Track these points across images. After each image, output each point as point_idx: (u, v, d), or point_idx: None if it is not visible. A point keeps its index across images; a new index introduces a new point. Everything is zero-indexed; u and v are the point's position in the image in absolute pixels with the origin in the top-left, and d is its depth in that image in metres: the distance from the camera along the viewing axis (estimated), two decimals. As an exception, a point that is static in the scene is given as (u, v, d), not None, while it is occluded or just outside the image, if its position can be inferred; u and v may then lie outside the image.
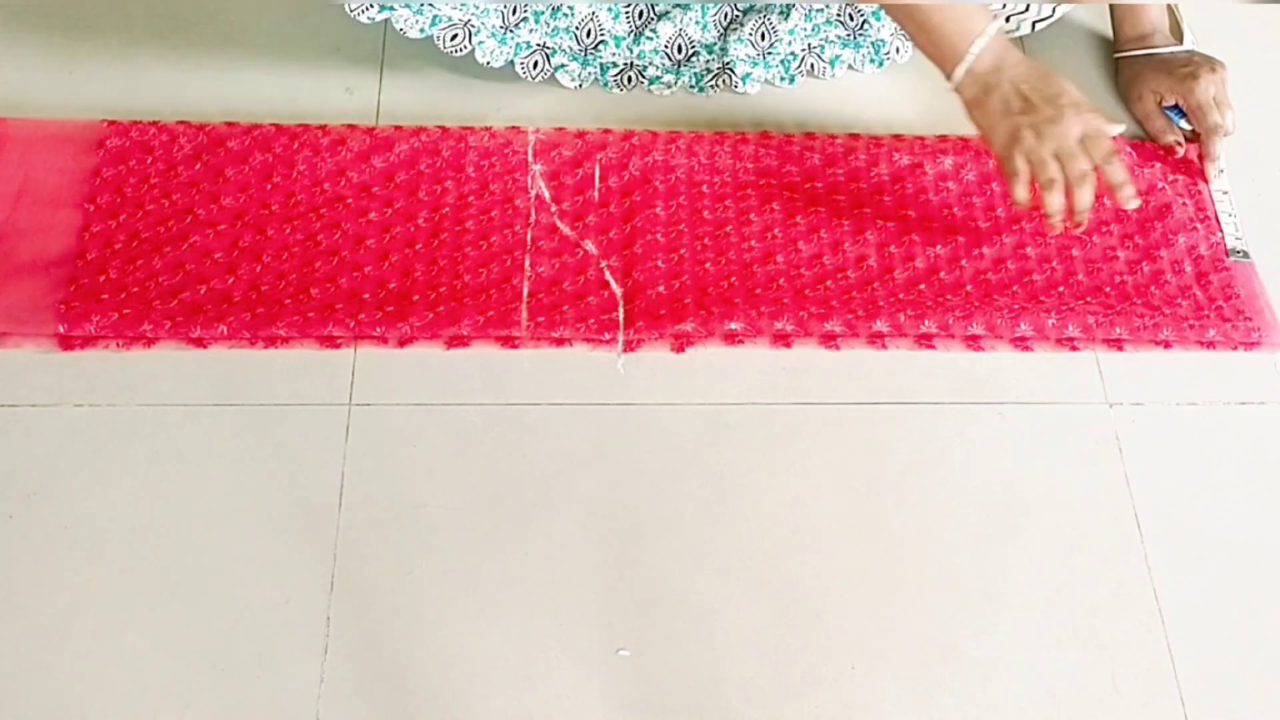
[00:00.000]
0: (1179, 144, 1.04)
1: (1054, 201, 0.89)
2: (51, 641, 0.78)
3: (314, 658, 0.78)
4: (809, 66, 1.06)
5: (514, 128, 1.00)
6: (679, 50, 1.04)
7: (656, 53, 1.04)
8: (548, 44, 1.02)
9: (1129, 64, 1.08)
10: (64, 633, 0.78)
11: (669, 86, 1.05)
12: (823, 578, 0.84)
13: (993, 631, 0.82)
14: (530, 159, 0.98)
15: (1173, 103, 1.05)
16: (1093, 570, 0.85)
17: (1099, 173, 0.89)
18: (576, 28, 1.02)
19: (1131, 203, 0.90)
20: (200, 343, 0.89)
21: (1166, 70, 1.05)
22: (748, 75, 1.05)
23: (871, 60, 1.07)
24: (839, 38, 1.06)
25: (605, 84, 1.05)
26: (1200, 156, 1.04)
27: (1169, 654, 0.82)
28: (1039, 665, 0.81)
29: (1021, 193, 0.90)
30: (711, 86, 1.05)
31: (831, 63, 1.06)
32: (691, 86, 1.05)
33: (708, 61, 1.05)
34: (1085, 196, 0.89)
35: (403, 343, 0.90)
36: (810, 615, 0.82)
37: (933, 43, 0.91)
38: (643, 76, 1.05)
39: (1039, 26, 1.08)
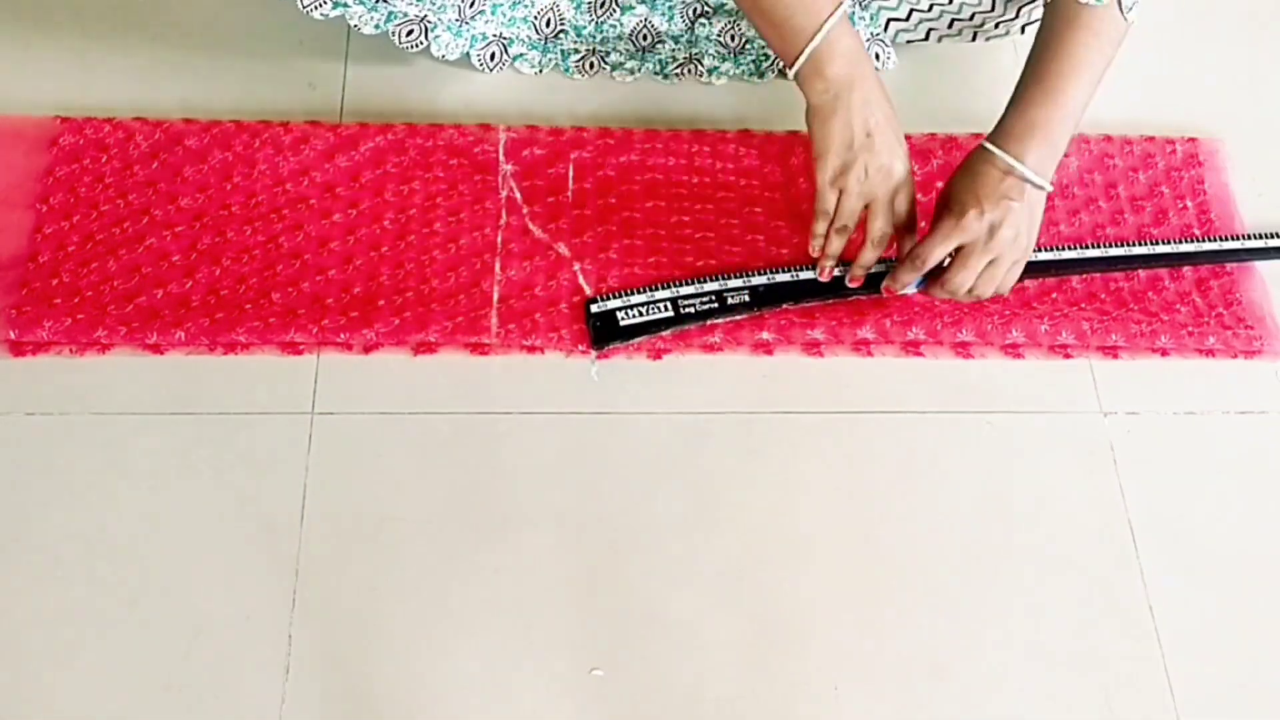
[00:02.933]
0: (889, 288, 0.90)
1: (832, 246, 0.87)
2: (2, 660, 0.76)
3: (275, 677, 0.77)
4: (778, 66, 1.04)
5: (484, 125, 0.99)
6: (644, 38, 1.02)
7: (620, 39, 1.02)
8: (505, 34, 1.00)
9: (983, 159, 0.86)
10: (14, 651, 0.77)
11: (632, 73, 1.03)
12: (805, 593, 0.83)
13: (982, 649, 0.82)
14: (501, 158, 0.96)
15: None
16: (1086, 586, 0.85)
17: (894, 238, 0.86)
18: (536, 17, 1.00)
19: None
20: (157, 349, 0.87)
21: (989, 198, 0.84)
22: (715, 69, 1.04)
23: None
24: None
25: (567, 69, 1.03)
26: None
27: (1165, 673, 0.82)
28: (1030, 684, 0.81)
29: (820, 232, 0.86)
30: (676, 75, 1.04)
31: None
32: (656, 73, 1.04)
33: (674, 50, 1.03)
34: (867, 257, 0.86)
35: (368, 349, 0.88)
36: (792, 632, 0.81)
37: (774, 24, 0.81)
38: (605, 62, 1.03)
39: (1028, 30, 1.05)
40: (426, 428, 0.86)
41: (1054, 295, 0.94)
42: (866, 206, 0.84)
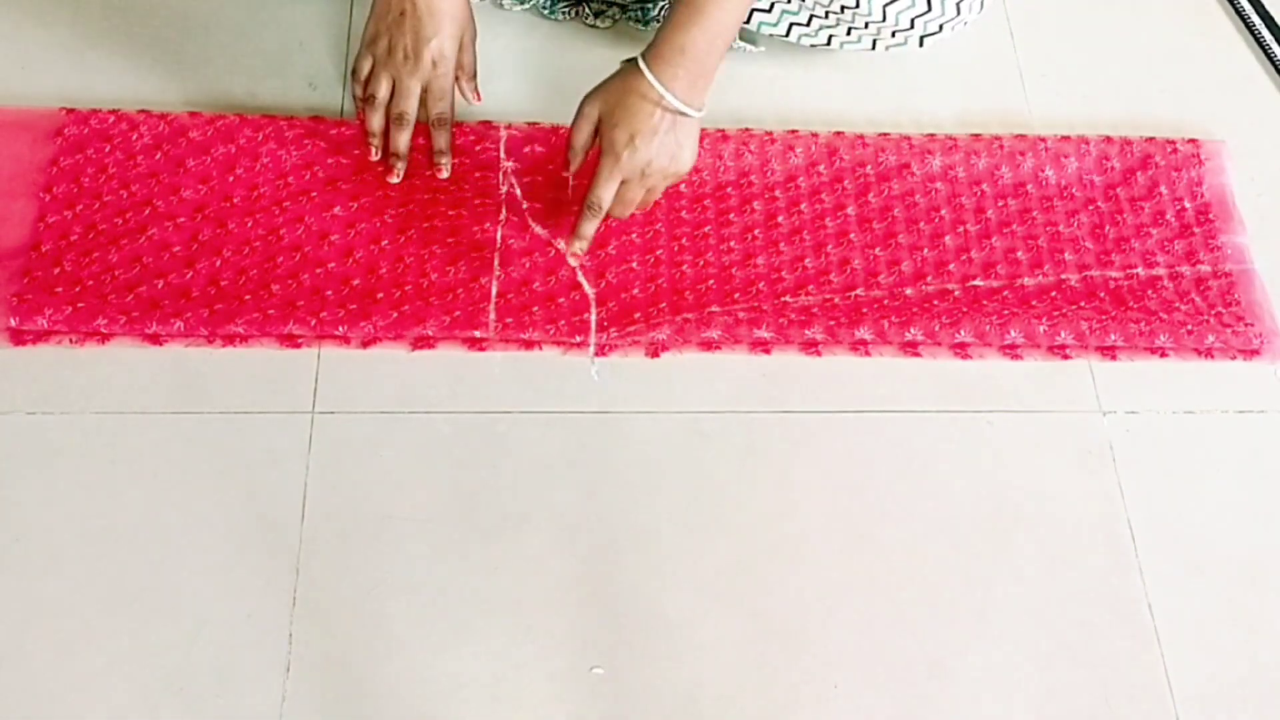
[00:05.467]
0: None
1: (372, 122, 0.92)
2: (2, 659, 0.76)
3: (276, 675, 0.77)
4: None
5: (485, 123, 0.98)
6: None
7: None
8: None
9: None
10: (15, 650, 0.76)
11: (613, 20, 1.04)
12: (805, 593, 0.83)
13: (981, 648, 0.82)
14: (502, 155, 0.96)
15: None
16: (1085, 585, 0.84)
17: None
18: None
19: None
20: (156, 339, 0.87)
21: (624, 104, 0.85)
22: (602, 12, 1.04)
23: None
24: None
25: (552, 12, 1.05)
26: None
27: (1164, 672, 0.82)
28: (1029, 683, 0.81)
29: (356, 94, 0.93)
30: (655, 20, 1.04)
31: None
32: (637, 21, 1.04)
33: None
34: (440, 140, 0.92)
35: (366, 343, 0.88)
36: (792, 631, 0.81)
37: None
38: (588, 8, 1.04)
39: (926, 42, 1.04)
40: (427, 427, 0.86)
41: (1053, 294, 0.94)
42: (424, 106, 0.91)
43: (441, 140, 0.92)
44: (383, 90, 0.91)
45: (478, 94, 0.97)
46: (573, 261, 0.88)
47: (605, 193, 0.86)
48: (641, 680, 0.78)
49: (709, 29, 0.84)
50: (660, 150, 0.85)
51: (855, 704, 0.79)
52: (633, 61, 0.86)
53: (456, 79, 0.93)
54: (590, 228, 0.87)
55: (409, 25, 0.89)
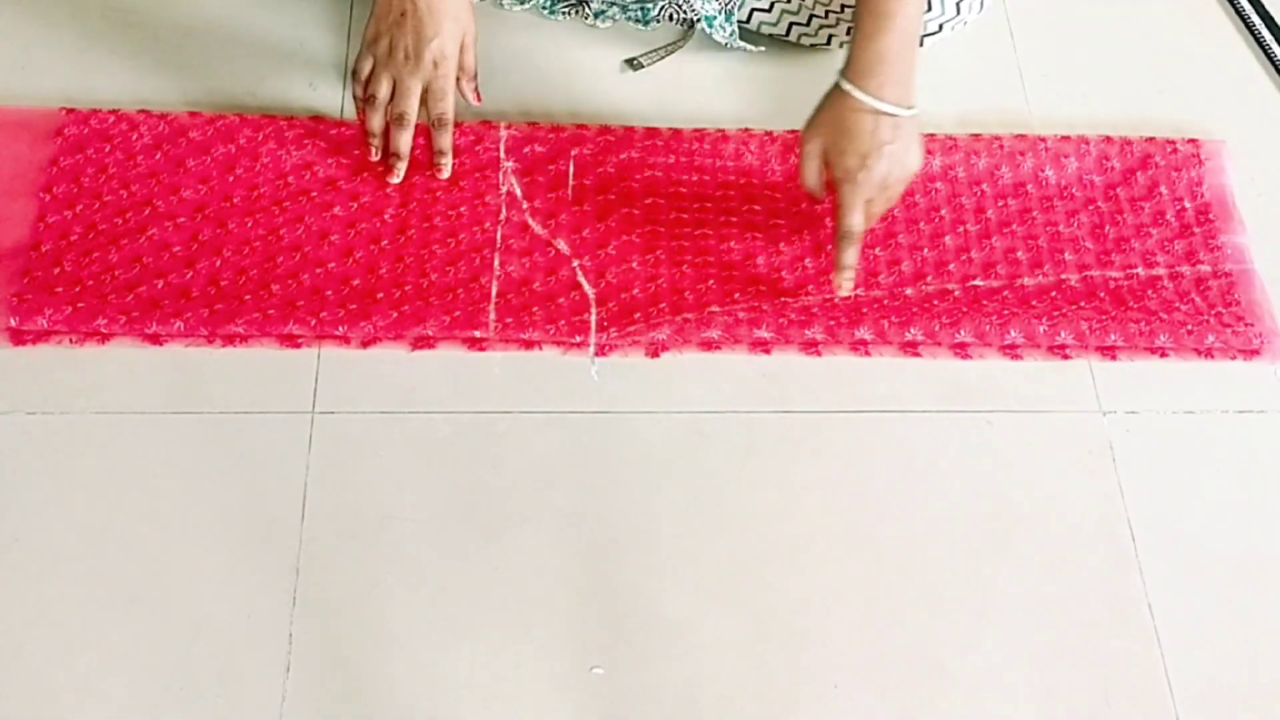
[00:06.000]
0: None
1: (372, 123, 0.93)
2: (2, 659, 0.76)
3: (276, 676, 0.77)
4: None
5: (485, 122, 0.99)
6: None
7: None
8: None
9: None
10: (15, 651, 0.76)
11: (614, 20, 1.04)
12: (804, 592, 0.83)
13: (981, 648, 0.82)
14: (502, 154, 0.97)
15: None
16: (1085, 585, 0.84)
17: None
18: None
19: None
20: (156, 339, 0.87)
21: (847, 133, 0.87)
22: (602, 13, 1.05)
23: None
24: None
25: (552, 12, 1.05)
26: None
27: (1164, 672, 0.82)
28: (1029, 683, 0.81)
29: (356, 95, 0.94)
30: (656, 20, 1.04)
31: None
32: (638, 21, 1.04)
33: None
34: (442, 142, 0.93)
35: (366, 343, 0.88)
36: (791, 631, 0.81)
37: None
38: (588, 8, 1.04)
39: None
40: (427, 427, 0.86)
41: (1053, 294, 0.94)
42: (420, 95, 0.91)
43: (442, 140, 0.92)
44: (383, 91, 0.91)
45: (478, 94, 0.97)
46: (842, 293, 0.89)
47: (855, 218, 0.87)
48: (641, 680, 0.78)
49: (899, 30, 0.85)
50: (892, 161, 0.86)
51: (855, 703, 0.79)
52: (836, 87, 0.87)
53: (457, 80, 0.93)
54: (852, 256, 0.88)
55: (410, 25, 0.89)
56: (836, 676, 0.79)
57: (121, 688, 0.75)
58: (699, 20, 1.02)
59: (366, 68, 0.92)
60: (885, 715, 0.78)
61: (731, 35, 1.02)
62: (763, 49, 1.05)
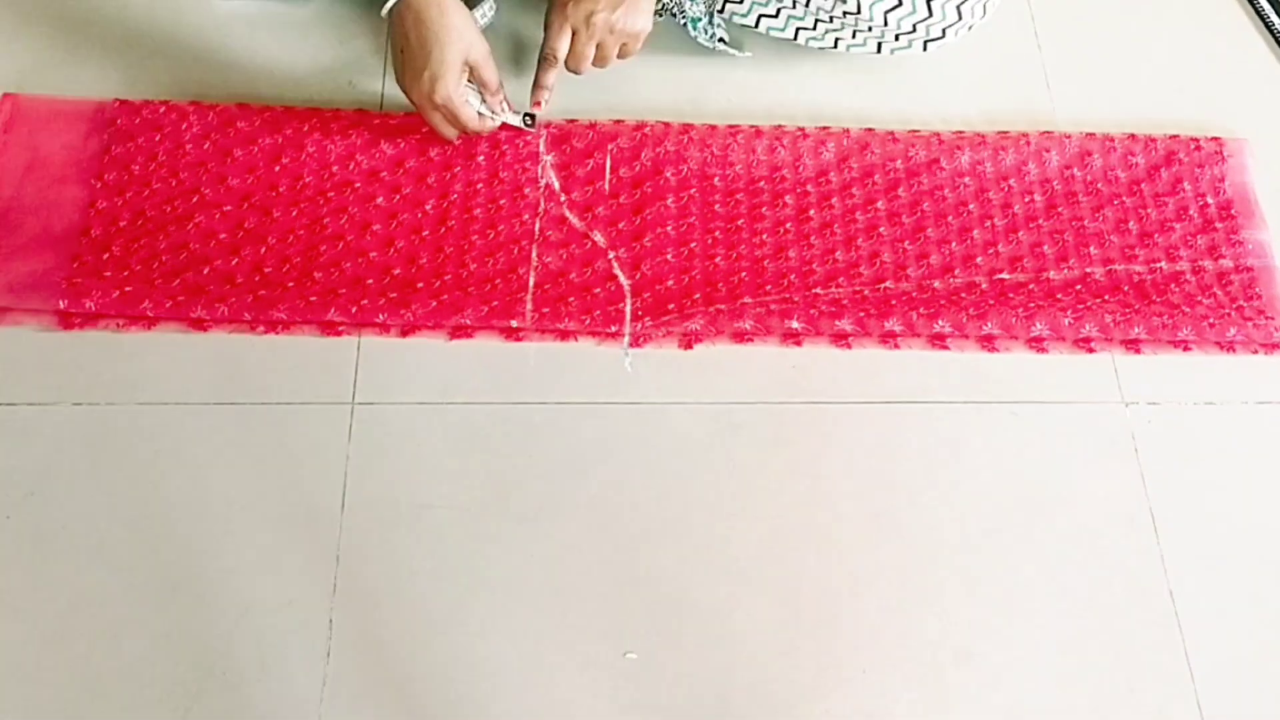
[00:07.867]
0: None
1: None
2: (49, 644, 0.77)
3: (316, 661, 0.77)
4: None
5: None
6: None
7: None
8: None
9: None
10: (62, 635, 0.77)
11: (658, 15, 1.03)
12: (834, 580, 0.83)
13: (1006, 634, 0.82)
14: (542, 150, 0.97)
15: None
16: (1108, 572, 0.85)
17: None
18: None
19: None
20: (200, 324, 0.88)
21: None
22: (697, 20, 1.04)
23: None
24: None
25: None
26: None
27: (1185, 658, 0.82)
28: (1053, 669, 0.81)
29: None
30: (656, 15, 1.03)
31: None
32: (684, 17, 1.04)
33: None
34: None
35: (405, 331, 0.89)
36: (822, 618, 0.82)
37: None
38: (683, 11, 1.04)
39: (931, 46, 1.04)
40: (464, 418, 0.87)
41: (1078, 288, 0.95)
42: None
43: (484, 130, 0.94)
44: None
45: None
46: (535, 110, 0.95)
47: (562, 43, 0.92)
48: (674, 665, 0.79)
49: None
50: (599, 8, 0.90)
51: (883, 688, 0.79)
52: None
53: (483, 97, 0.93)
54: (551, 78, 0.94)
55: (406, 61, 0.88)
56: (865, 662, 0.80)
57: (164, 673, 0.76)
58: (685, 21, 1.03)
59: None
60: (913, 699, 0.79)
61: (711, 38, 1.03)
62: (749, 54, 1.05)
